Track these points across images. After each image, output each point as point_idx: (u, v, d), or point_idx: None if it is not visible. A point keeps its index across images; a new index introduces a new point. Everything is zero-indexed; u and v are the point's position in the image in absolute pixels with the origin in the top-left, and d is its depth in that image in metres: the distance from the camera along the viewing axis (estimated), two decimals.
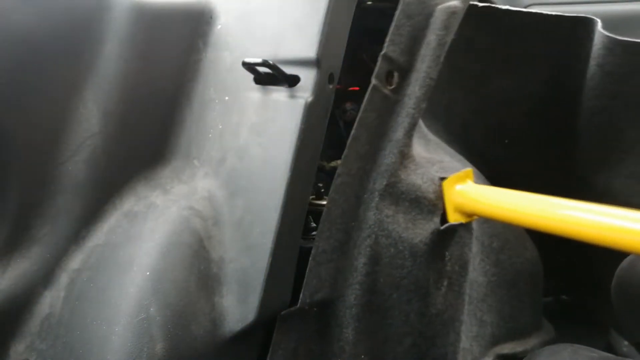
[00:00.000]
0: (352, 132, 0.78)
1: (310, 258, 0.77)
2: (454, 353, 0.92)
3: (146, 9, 0.84)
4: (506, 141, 1.21)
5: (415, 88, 0.81)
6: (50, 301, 0.77)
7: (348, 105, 1.30)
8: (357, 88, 1.31)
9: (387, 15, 1.23)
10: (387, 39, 0.79)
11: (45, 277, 0.77)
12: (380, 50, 1.26)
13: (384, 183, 0.81)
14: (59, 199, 0.78)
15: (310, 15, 0.80)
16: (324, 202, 0.95)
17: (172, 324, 0.72)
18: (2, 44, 0.73)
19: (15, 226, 0.75)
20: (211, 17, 0.92)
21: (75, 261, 0.78)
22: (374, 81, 0.78)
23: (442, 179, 0.87)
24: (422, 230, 0.83)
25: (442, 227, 0.84)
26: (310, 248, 0.86)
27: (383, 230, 0.80)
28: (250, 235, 0.79)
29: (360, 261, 0.80)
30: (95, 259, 0.78)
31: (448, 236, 0.87)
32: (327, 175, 1.31)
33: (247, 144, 0.83)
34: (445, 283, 0.88)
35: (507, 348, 1.06)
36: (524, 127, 1.18)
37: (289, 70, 0.79)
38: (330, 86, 0.81)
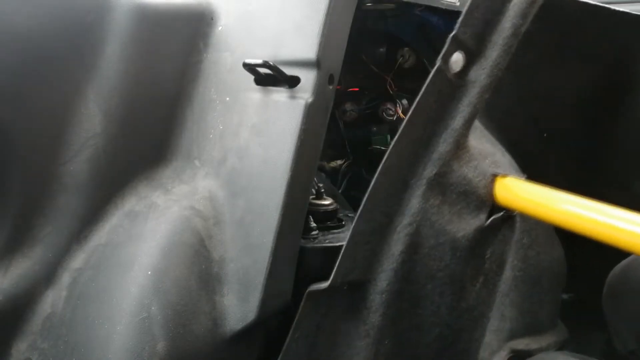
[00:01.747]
0: (409, 115, 0.74)
1: (347, 238, 0.75)
2: (477, 348, 0.91)
3: (147, 10, 0.85)
4: (545, 135, 1.18)
5: (482, 76, 0.77)
6: (52, 300, 0.78)
7: (348, 106, 1.30)
8: (356, 89, 1.32)
9: (386, 17, 1.23)
10: (460, 20, 0.75)
11: (47, 277, 0.78)
12: (380, 52, 1.25)
13: (434, 171, 0.77)
14: (61, 198, 0.78)
15: (310, 16, 0.80)
16: (324, 202, 0.96)
17: (173, 323, 0.73)
18: (4, 45, 0.73)
19: (18, 226, 0.75)
20: (212, 19, 0.92)
21: (77, 261, 0.79)
22: (439, 63, 0.74)
23: (495, 175, 0.83)
24: (466, 225, 0.80)
25: (486, 223, 0.81)
26: (311, 248, 0.86)
27: (426, 220, 0.78)
28: (250, 234, 0.79)
29: (398, 248, 0.78)
30: (96, 259, 0.79)
31: (491, 234, 0.85)
32: (327, 175, 1.32)
33: (247, 144, 0.83)
34: (480, 280, 0.86)
35: (522, 344, 1.05)
36: (566, 123, 1.14)
37: (289, 71, 0.80)
38: (331, 87, 0.81)
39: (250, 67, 0.81)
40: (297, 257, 0.82)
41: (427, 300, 0.81)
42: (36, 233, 0.77)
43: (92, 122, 0.80)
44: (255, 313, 0.77)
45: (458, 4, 1.13)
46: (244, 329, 0.78)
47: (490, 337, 0.97)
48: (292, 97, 0.80)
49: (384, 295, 0.78)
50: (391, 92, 1.28)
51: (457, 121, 0.77)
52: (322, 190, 0.97)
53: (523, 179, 0.85)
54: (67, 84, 0.79)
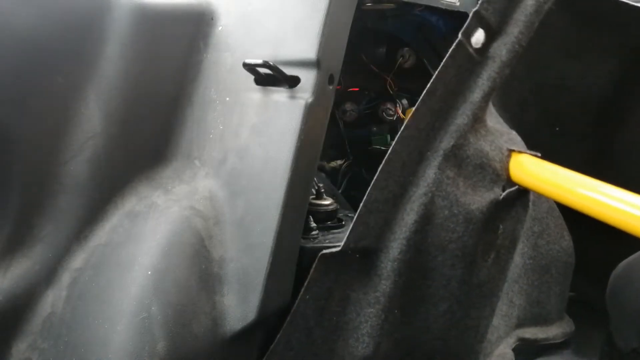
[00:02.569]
0: (428, 86, 0.75)
1: (361, 204, 0.76)
2: (485, 327, 0.91)
3: (148, 10, 0.85)
4: (557, 129, 1.18)
5: (502, 52, 0.77)
6: (52, 300, 0.78)
7: (348, 106, 1.31)
8: (356, 89, 1.32)
9: (386, 17, 1.23)
10: None
11: (47, 277, 0.78)
12: (380, 52, 1.25)
13: (451, 143, 0.78)
14: (61, 198, 0.78)
15: (310, 16, 0.80)
16: (324, 202, 0.96)
17: (173, 322, 0.73)
18: (5, 45, 0.73)
19: (18, 226, 0.75)
20: (212, 19, 0.93)
21: (77, 260, 0.79)
22: (460, 37, 0.74)
23: (511, 150, 0.83)
24: (480, 198, 0.81)
25: (501, 196, 0.82)
26: (311, 248, 0.86)
27: (441, 191, 0.78)
28: (250, 234, 0.79)
29: (411, 217, 0.78)
30: (97, 259, 0.79)
31: (505, 209, 0.85)
32: (327, 175, 1.32)
33: (247, 144, 0.84)
34: (492, 255, 0.86)
35: (529, 332, 1.05)
36: (578, 118, 1.15)
37: (289, 71, 0.80)
38: (331, 87, 0.81)
39: (250, 67, 0.81)
40: (297, 257, 0.83)
41: (437, 272, 0.81)
42: (36, 233, 0.77)
43: (92, 122, 0.80)
44: (255, 313, 0.77)
45: (458, 4, 1.13)
46: (244, 329, 0.78)
47: (498, 321, 0.97)
48: (292, 97, 0.80)
49: (395, 264, 0.78)
50: (391, 92, 1.29)
51: (476, 95, 0.78)
52: (322, 190, 0.97)
53: (538, 156, 0.85)
54: (67, 84, 0.79)
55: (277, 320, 0.82)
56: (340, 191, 1.29)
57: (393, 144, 0.75)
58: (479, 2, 0.75)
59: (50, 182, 0.78)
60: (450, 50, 0.74)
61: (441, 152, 0.78)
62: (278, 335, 0.78)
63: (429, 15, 1.18)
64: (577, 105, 1.13)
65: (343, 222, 0.97)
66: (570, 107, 1.14)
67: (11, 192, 0.75)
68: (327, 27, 0.79)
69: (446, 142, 0.78)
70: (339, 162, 1.36)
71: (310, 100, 0.78)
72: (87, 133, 0.80)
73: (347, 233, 0.76)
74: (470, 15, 0.75)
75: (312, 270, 0.76)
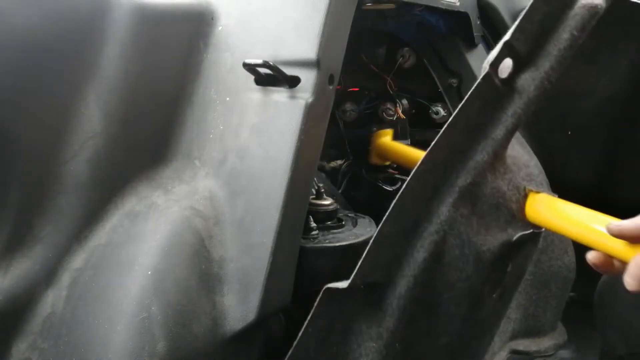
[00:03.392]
0: (450, 119, 0.71)
1: (371, 240, 0.73)
2: (483, 353, 0.91)
3: (148, 10, 0.85)
4: (569, 132, 1.17)
5: (530, 87, 0.73)
6: (52, 300, 0.78)
7: (348, 106, 1.31)
8: (356, 89, 1.32)
9: (386, 17, 1.23)
10: (516, 24, 0.70)
11: (47, 277, 0.78)
12: (380, 52, 1.25)
13: (468, 181, 0.75)
14: (61, 198, 0.78)
15: (310, 16, 0.80)
16: (324, 202, 0.96)
17: (173, 322, 0.73)
18: (4, 45, 0.73)
19: (18, 226, 0.75)
20: (212, 19, 0.93)
21: (77, 260, 0.79)
22: (488, 69, 0.70)
23: (528, 190, 0.81)
24: (493, 239, 0.78)
25: (514, 238, 0.79)
26: (311, 248, 0.86)
27: (454, 229, 0.75)
28: (250, 234, 0.79)
29: (421, 255, 0.76)
30: (97, 259, 0.79)
31: (516, 249, 0.83)
32: (327, 175, 1.32)
33: (247, 144, 0.84)
34: (498, 292, 0.85)
35: (522, 345, 1.05)
36: (590, 122, 1.14)
37: (289, 71, 0.80)
38: (331, 87, 0.81)
39: (250, 67, 0.81)
40: (297, 257, 0.83)
41: (442, 309, 0.80)
42: (36, 233, 0.77)
43: (92, 122, 0.80)
44: (255, 313, 0.77)
45: (458, 4, 1.13)
46: (244, 329, 0.78)
47: (494, 339, 0.96)
48: (292, 97, 0.80)
49: (401, 301, 0.77)
50: (391, 92, 1.29)
51: (499, 131, 0.75)
52: (322, 190, 0.97)
53: (555, 196, 0.82)
54: (67, 84, 0.79)
55: (277, 321, 0.82)
56: (340, 191, 1.29)
57: (408, 179, 0.72)
58: (510, 32, 0.70)
59: (50, 182, 0.77)
60: (476, 83, 0.71)
61: (457, 189, 0.75)
62: None
63: (429, 15, 1.18)
64: (591, 108, 1.12)
65: (343, 222, 0.97)
66: (584, 111, 1.13)
67: (11, 193, 0.75)
68: (327, 27, 0.79)
69: (463, 178, 0.75)
70: (339, 162, 1.36)
71: (310, 100, 0.78)
72: (87, 133, 0.80)
73: (355, 270, 0.73)
74: (500, 45, 0.70)
75: (316, 303, 0.74)
